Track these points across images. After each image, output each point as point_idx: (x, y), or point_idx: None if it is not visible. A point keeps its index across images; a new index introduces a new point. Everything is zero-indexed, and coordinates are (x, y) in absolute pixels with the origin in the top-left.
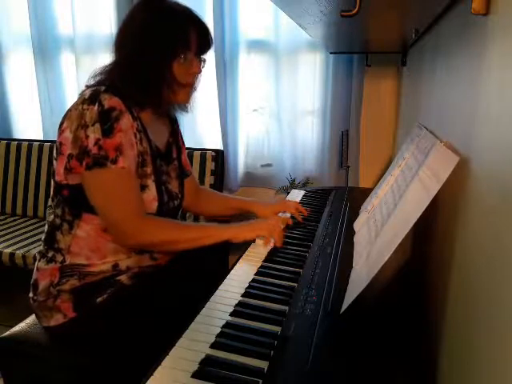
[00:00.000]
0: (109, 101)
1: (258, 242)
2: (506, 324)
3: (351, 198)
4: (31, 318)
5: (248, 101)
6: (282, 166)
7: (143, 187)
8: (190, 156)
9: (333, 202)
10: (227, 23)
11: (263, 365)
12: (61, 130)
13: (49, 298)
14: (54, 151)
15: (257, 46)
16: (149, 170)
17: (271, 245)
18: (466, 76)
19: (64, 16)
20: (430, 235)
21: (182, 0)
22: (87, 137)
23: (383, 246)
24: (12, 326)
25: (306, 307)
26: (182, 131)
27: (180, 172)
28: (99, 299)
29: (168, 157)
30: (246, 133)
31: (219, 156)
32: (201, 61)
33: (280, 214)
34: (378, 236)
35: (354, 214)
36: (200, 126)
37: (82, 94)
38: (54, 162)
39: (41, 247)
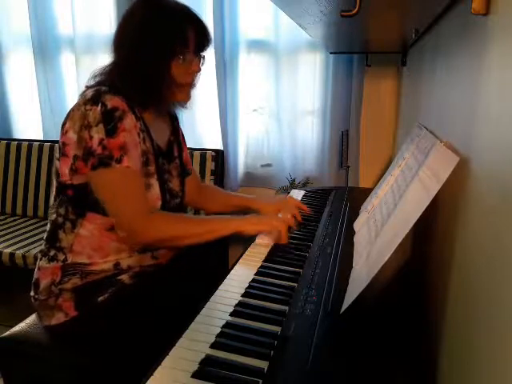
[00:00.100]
0: (111, 101)
1: (258, 241)
2: (506, 324)
3: (351, 198)
4: (31, 318)
5: (248, 101)
6: (281, 166)
7: (147, 186)
8: (190, 156)
9: (333, 202)
10: (227, 23)
11: (263, 365)
12: (64, 131)
13: (50, 296)
14: (57, 151)
15: (257, 45)
16: (152, 168)
17: (272, 242)
18: (466, 76)
19: (64, 16)
20: (430, 235)
21: (182, 0)
22: (91, 137)
23: (383, 246)
24: (12, 326)
25: (306, 307)
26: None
27: (181, 170)
28: (100, 298)
29: (169, 155)
30: (245, 133)
31: (219, 156)
32: (200, 58)
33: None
34: (378, 236)
35: (354, 214)
36: (200, 126)
37: (83, 95)
38: (57, 162)
39: (41, 247)
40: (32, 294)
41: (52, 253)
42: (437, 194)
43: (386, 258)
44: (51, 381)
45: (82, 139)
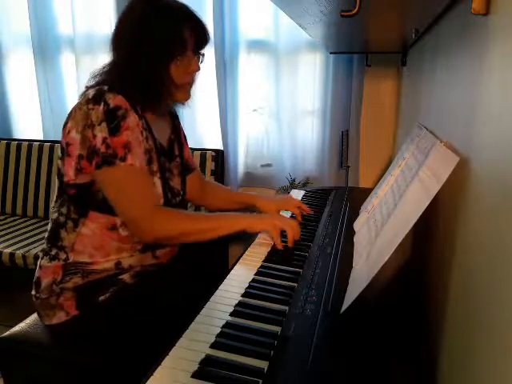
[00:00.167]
0: (114, 100)
1: (258, 241)
2: (506, 324)
3: (351, 198)
4: (31, 318)
5: (248, 101)
6: (281, 166)
7: None
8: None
9: (333, 202)
10: (227, 23)
11: (263, 365)
12: (66, 131)
13: (51, 295)
14: (60, 151)
15: (257, 46)
16: (155, 167)
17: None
18: (466, 76)
19: (64, 16)
20: (430, 235)
21: (183, 0)
22: (95, 136)
23: (383, 246)
24: (12, 326)
25: (306, 307)
26: None
27: (182, 169)
28: (102, 297)
29: (170, 154)
30: (245, 133)
31: (219, 156)
32: (199, 56)
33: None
34: (378, 236)
35: (354, 214)
36: (200, 126)
37: (84, 95)
38: (60, 162)
39: (41, 246)
40: (33, 292)
41: (53, 252)
42: (437, 194)
43: (386, 258)
44: (51, 380)
45: (85, 138)
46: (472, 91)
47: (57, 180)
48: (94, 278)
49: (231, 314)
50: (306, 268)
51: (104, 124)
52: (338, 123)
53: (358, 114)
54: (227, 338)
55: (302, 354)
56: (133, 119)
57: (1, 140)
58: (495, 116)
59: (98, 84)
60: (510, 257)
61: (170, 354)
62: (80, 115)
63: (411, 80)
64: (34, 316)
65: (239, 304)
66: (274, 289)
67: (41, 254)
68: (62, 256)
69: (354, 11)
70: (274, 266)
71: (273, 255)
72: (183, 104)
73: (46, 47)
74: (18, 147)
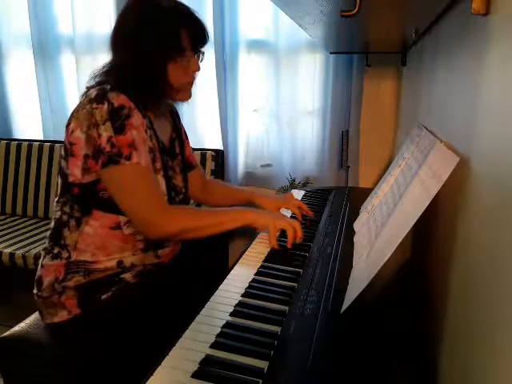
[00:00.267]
0: (118, 99)
1: (258, 241)
2: (506, 324)
3: (351, 198)
4: (31, 318)
5: (248, 101)
6: (281, 166)
7: None
8: None
9: (333, 202)
10: (227, 23)
11: (263, 365)
12: (69, 131)
13: (53, 294)
14: (63, 151)
15: (257, 45)
16: (158, 165)
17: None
18: (466, 76)
19: (64, 16)
20: (430, 235)
21: (182, 0)
22: (99, 135)
23: (383, 245)
24: (12, 326)
25: (306, 307)
26: None
27: (183, 166)
28: (103, 296)
29: (172, 152)
30: (245, 133)
31: (219, 156)
32: (199, 55)
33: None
34: (378, 236)
35: (354, 214)
36: (200, 126)
37: (87, 94)
38: (63, 161)
39: (41, 246)
40: (35, 291)
41: (56, 250)
42: (437, 194)
43: (386, 258)
44: (51, 380)
45: (90, 138)
46: (472, 91)
47: (59, 179)
48: (96, 276)
49: (231, 314)
50: (305, 268)
51: (109, 123)
52: (338, 123)
53: (357, 114)
54: (227, 338)
55: (302, 353)
56: (137, 118)
57: (1, 140)
58: (495, 116)
59: (98, 84)
60: (509, 257)
61: (169, 354)
62: (83, 115)
63: (411, 80)
64: (35, 316)
65: (239, 304)
66: (274, 289)
67: (43, 253)
68: (65, 254)
69: (354, 11)
70: (274, 265)
71: (273, 255)
72: (183, 101)
73: (46, 47)
74: (18, 147)
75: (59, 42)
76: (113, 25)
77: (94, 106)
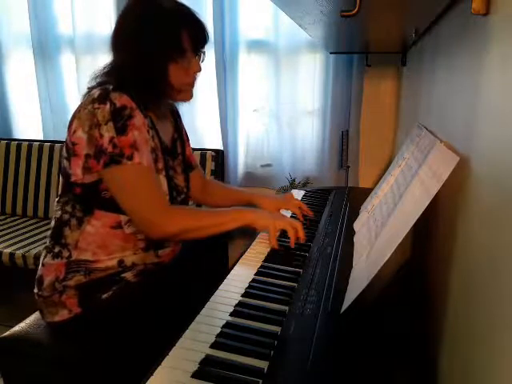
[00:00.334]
0: (120, 99)
1: (258, 241)
2: (506, 324)
3: (351, 198)
4: (31, 318)
5: (248, 101)
6: (281, 166)
7: None
8: None
9: (333, 202)
10: (227, 23)
11: (263, 365)
12: (71, 131)
13: (54, 293)
14: (65, 151)
15: (257, 45)
16: (160, 165)
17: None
18: (466, 76)
19: (64, 16)
20: (430, 235)
21: (182, 0)
22: (101, 136)
23: (383, 245)
24: (12, 326)
25: (306, 307)
26: None
27: (184, 166)
28: (104, 296)
29: (174, 152)
30: (245, 133)
31: (219, 156)
32: (201, 55)
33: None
34: (378, 236)
35: (354, 214)
36: (200, 126)
37: (89, 95)
38: (65, 161)
39: (41, 246)
40: (35, 290)
41: (57, 249)
42: (437, 194)
43: (386, 258)
44: (51, 380)
45: (92, 138)
46: (472, 91)
47: (61, 178)
48: (97, 276)
49: (231, 314)
50: (305, 268)
51: (111, 123)
52: (338, 123)
53: (357, 114)
54: (227, 338)
55: (302, 353)
56: (139, 118)
57: (1, 140)
58: (495, 116)
59: (99, 84)
60: (510, 257)
61: (169, 354)
62: (85, 115)
63: (411, 80)
64: (35, 316)
65: (239, 304)
66: (274, 289)
67: (43, 252)
68: (65, 254)
69: (354, 11)
70: (274, 265)
71: (273, 255)
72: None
73: (46, 47)
74: (18, 147)
75: (59, 42)
76: (113, 25)
77: (96, 106)
